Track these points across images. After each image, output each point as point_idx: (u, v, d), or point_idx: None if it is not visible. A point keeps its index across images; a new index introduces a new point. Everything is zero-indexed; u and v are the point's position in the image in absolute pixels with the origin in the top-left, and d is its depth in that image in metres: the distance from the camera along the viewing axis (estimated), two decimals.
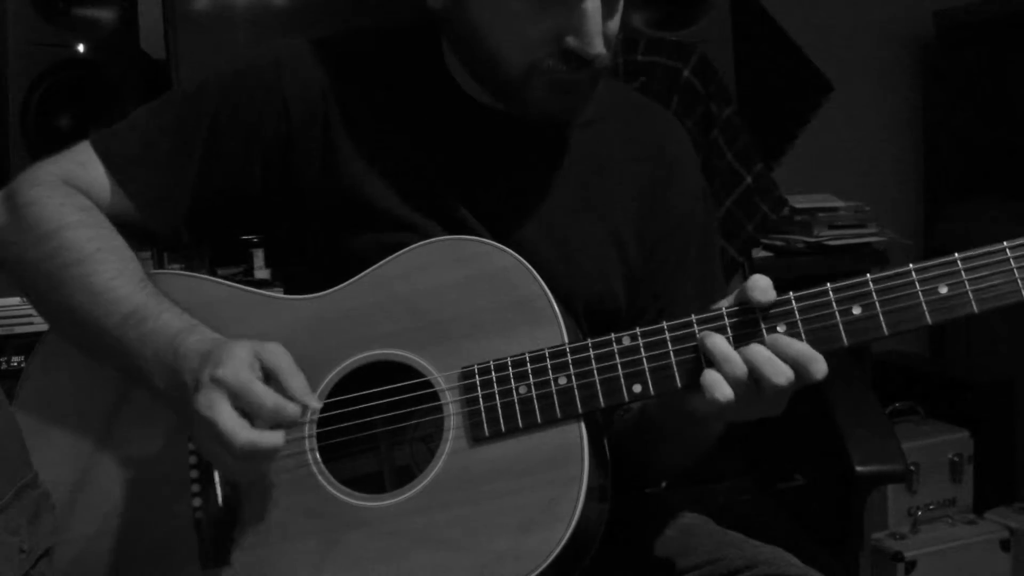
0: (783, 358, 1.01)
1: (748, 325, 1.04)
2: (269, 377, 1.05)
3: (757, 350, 1.02)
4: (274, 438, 1.03)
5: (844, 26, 3.14)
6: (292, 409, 1.04)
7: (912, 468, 2.73)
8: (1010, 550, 2.75)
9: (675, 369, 1.05)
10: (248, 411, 1.03)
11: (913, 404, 2.91)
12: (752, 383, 1.02)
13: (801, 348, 1.01)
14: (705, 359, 1.04)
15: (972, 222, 3.02)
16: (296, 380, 1.05)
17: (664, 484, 1.40)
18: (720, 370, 1.02)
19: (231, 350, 1.06)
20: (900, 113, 3.31)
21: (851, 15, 3.16)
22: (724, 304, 1.06)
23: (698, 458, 1.24)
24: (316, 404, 1.08)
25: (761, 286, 1.03)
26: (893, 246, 2.68)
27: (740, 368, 1.01)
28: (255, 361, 1.05)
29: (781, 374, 1.01)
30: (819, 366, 1.01)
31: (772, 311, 1.04)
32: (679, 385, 1.05)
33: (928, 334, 3.33)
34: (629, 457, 1.22)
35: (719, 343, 1.03)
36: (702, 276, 1.30)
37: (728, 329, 1.04)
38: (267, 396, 1.03)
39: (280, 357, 1.06)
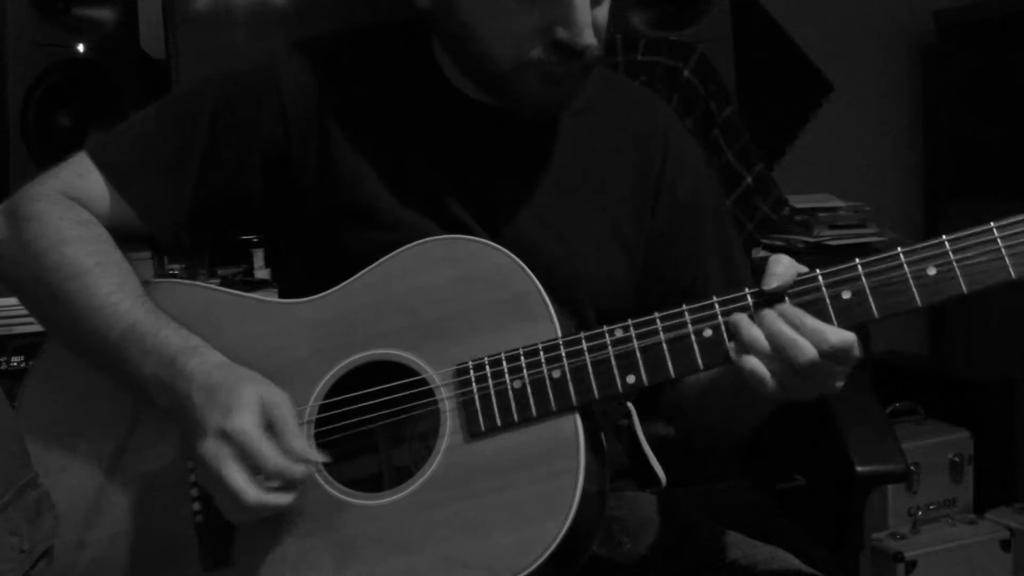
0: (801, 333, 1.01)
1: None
2: (271, 426, 1.06)
3: (771, 322, 1.02)
4: (283, 499, 1.05)
5: (844, 26, 3.14)
6: (298, 470, 1.05)
7: (912, 468, 2.73)
8: (1010, 550, 2.75)
9: (668, 359, 1.05)
10: (254, 469, 1.04)
11: (913, 404, 2.91)
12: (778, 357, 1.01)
13: (813, 324, 1.01)
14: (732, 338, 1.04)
15: (972, 221, 3.01)
16: (298, 440, 1.06)
17: (664, 484, 1.40)
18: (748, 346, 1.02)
19: (240, 394, 1.05)
20: (900, 113, 3.31)
21: (851, 15, 3.16)
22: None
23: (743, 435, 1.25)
24: (320, 459, 1.08)
25: (778, 272, 1.03)
26: (893, 246, 2.67)
27: (761, 342, 1.02)
28: (261, 409, 1.05)
29: (802, 349, 1.00)
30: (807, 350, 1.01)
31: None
32: (672, 374, 1.06)
33: (928, 334, 3.33)
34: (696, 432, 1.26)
35: (741, 320, 1.03)
36: (723, 258, 1.29)
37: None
38: (272, 459, 1.04)
39: (285, 412, 1.06)
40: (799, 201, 2.57)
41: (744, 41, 2.44)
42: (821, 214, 2.63)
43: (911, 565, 2.66)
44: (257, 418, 1.05)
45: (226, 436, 1.04)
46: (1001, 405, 2.91)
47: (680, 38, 2.28)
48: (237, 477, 1.03)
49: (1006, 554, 2.75)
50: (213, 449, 1.04)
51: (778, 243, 2.63)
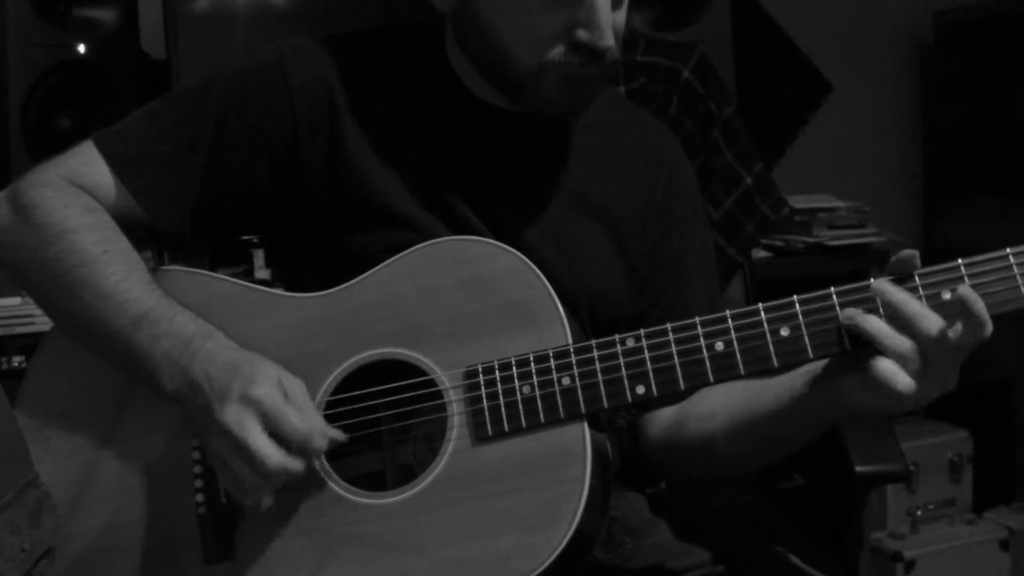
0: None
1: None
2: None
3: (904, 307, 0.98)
4: (300, 466, 1.05)
5: (844, 26, 3.14)
6: (318, 443, 1.06)
7: (911, 468, 2.73)
8: (1009, 550, 2.76)
9: (678, 371, 1.05)
10: (277, 434, 1.04)
11: None
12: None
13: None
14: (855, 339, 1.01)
15: (971, 222, 3.02)
16: (317, 418, 1.07)
17: (663, 484, 1.40)
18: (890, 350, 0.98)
19: (261, 368, 1.07)
20: (900, 113, 3.31)
21: (851, 15, 3.16)
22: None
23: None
24: (343, 437, 1.08)
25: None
26: (893, 246, 2.68)
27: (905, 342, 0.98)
28: (280, 385, 1.07)
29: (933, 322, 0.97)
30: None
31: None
32: (682, 387, 1.05)
33: None
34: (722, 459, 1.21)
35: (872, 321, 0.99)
36: (704, 283, 1.30)
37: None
38: (301, 424, 1.05)
39: (301, 390, 1.08)
40: (799, 201, 2.57)
41: (744, 41, 2.44)
42: (821, 214, 2.63)
43: (910, 565, 2.66)
44: (279, 390, 1.06)
45: (249, 400, 1.04)
46: (1001, 405, 2.91)
47: (680, 38, 2.28)
48: (261, 439, 1.03)
49: (1005, 554, 2.75)
50: (236, 414, 1.04)
51: (778, 243, 2.63)
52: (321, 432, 1.06)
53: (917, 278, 1.02)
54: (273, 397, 1.05)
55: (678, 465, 1.27)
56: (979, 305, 0.97)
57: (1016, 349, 2.92)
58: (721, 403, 1.19)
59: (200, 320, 1.12)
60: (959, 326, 0.97)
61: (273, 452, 1.04)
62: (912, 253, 1.02)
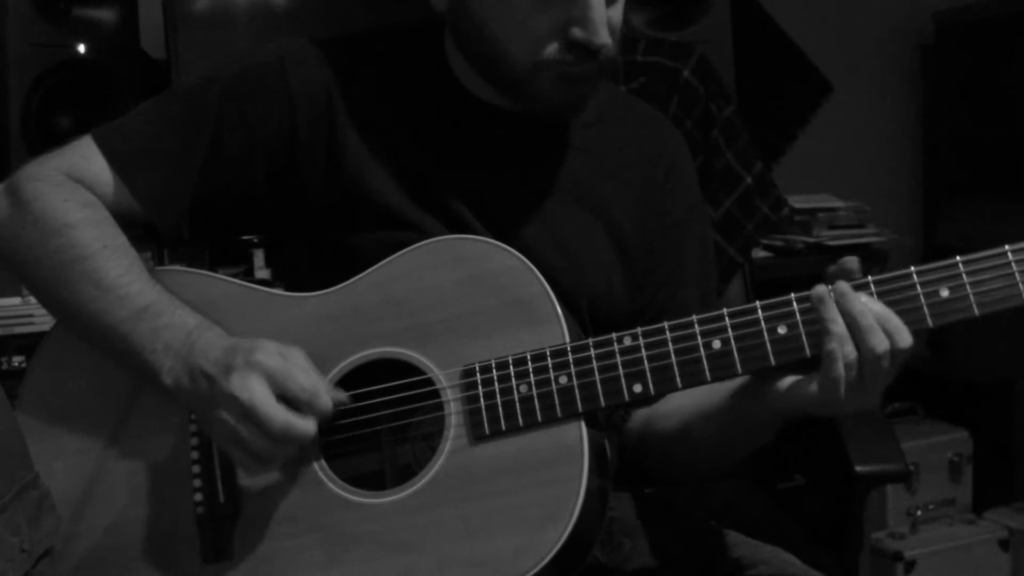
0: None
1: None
2: None
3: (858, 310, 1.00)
4: (308, 425, 1.06)
5: (844, 26, 3.14)
6: (325, 400, 1.06)
7: (911, 468, 2.74)
8: (1009, 550, 2.76)
9: (676, 370, 1.05)
10: (283, 395, 1.05)
11: (913, 404, 2.91)
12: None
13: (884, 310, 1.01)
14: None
15: (971, 222, 3.02)
16: (321, 379, 1.08)
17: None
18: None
19: (260, 341, 1.08)
20: (900, 113, 3.31)
21: (851, 15, 3.16)
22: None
23: (737, 464, 1.22)
24: (347, 397, 1.09)
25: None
26: (893, 246, 2.68)
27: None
28: (281, 353, 1.08)
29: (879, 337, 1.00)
30: (904, 335, 1.01)
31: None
32: (680, 386, 1.05)
33: (928, 334, 3.32)
34: (671, 459, 1.22)
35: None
36: (701, 281, 1.30)
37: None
38: (307, 381, 1.06)
39: (302, 356, 1.09)
40: (799, 201, 2.57)
41: (744, 41, 2.44)
42: (820, 214, 2.63)
43: (910, 565, 2.66)
44: (280, 356, 1.07)
45: (253, 365, 1.05)
46: (1000, 405, 2.91)
47: (680, 38, 2.28)
48: (268, 399, 1.04)
49: (1005, 554, 2.75)
50: (242, 380, 1.05)
51: (778, 243, 2.63)
52: (326, 390, 1.07)
53: (915, 276, 1.02)
54: (277, 360, 1.06)
55: (650, 462, 1.28)
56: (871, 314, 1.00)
57: (1016, 349, 2.92)
58: (682, 400, 1.20)
59: (200, 315, 1.13)
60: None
61: (280, 411, 1.04)
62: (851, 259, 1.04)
